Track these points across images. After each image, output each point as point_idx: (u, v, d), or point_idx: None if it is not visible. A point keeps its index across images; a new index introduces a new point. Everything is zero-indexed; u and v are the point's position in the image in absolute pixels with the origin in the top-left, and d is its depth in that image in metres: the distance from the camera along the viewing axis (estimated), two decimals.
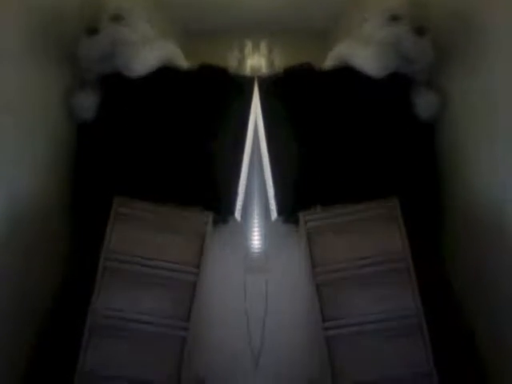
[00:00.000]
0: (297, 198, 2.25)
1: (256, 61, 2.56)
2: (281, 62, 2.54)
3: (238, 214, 2.28)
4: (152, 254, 2.08)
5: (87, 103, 2.27)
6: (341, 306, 2.03)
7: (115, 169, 2.25)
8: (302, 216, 2.18)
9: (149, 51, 2.30)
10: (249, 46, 2.58)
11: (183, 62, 2.41)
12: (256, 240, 2.34)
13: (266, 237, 2.33)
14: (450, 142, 2.26)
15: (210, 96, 2.31)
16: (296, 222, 2.23)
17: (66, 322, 2.04)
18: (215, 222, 2.22)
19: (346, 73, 2.30)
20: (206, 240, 2.13)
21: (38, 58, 2.09)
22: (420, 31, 2.24)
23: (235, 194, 2.26)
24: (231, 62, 2.54)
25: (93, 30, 2.29)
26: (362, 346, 1.96)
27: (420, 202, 2.23)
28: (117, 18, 2.32)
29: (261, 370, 2.13)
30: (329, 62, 2.38)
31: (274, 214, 2.29)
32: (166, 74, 2.30)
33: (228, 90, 2.32)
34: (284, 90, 2.33)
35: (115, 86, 2.30)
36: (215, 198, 2.24)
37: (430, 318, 1.94)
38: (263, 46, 2.58)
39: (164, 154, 2.26)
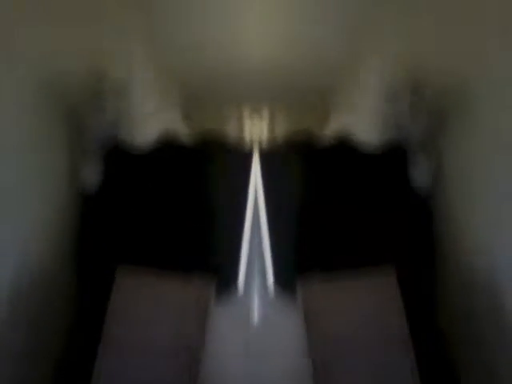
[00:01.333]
0: (295, 267, 2.30)
1: (256, 126, 2.61)
2: (281, 130, 2.59)
3: (240, 285, 2.32)
4: (154, 325, 2.12)
5: (91, 175, 2.34)
6: (337, 378, 2.04)
7: (118, 239, 2.31)
8: (299, 287, 2.23)
9: (151, 123, 2.37)
10: (248, 111, 2.63)
11: (185, 131, 2.48)
12: (256, 311, 2.36)
13: (265, 308, 2.35)
14: (446, 211, 2.31)
15: (210, 168, 2.38)
16: (294, 290, 2.27)
17: None
18: (217, 294, 2.26)
19: (345, 145, 2.38)
20: (209, 312, 2.17)
21: (45, 131, 2.18)
22: (417, 104, 2.31)
23: (237, 265, 2.31)
24: (231, 127, 2.59)
25: (97, 101, 2.36)
26: None
27: (417, 271, 2.28)
28: (121, 91, 2.39)
29: None
30: (328, 133, 2.45)
31: (270, 282, 2.34)
32: (167, 147, 2.38)
33: (228, 163, 2.40)
34: (284, 163, 2.42)
35: (118, 158, 2.36)
36: (217, 269, 2.29)
37: None
38: (265, 111, 2.63)
39: (166, 225, 2.33)
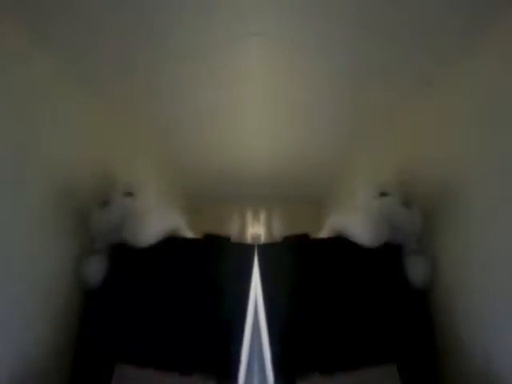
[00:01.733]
0: (294, 363, 2.21)
1: (256, 228, 2.71)
2: (279, 230, 2.70)
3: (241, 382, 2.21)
4: None
5: (95, 271, 2.36)
6: None
7: (118, 336, 2.24)
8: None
9: (156, 223, 2.46)
10: (249, 214, 2.75)
11: (188, 232, 2.57)
12: None
13: None
14: (443, 307, 2.31)
15: (213, 264, 2.41)
16: None
17: None
18: None
19: (341, 242, 2.45)
20: None
21: (52, 228, 2.26)
22: (408, 203, 2.45)
23: (238, 361, 2.22)
24: (233, 229, 2.68)
25: (104, 203, 2.48)
26: None
27: (418, 368, 2.21)
28: (128, 194, 2.52)
29: None
30: (325, 231, 2.56)
31: (270, 379, 2.23)
32: (170, 243, 2.44)
33: (231, 258, 2.43)
34: (281, 257, 2.45)
35: (122, 255, 2.41)
36: (217, 366, 2.18)
37: None
38: (263, 215, 2.76)
39: (168, 322, 2.28)
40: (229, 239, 2.51)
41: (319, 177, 3.15)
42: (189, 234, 2.56)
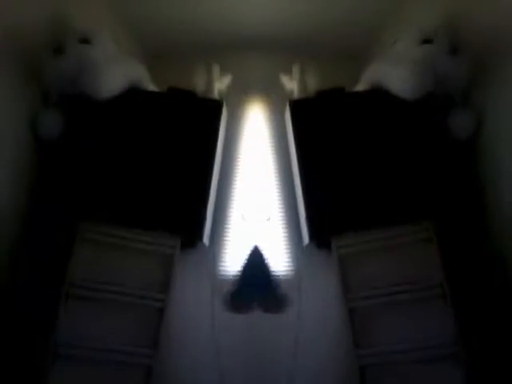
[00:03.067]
0: (330, 222, 2.18)
1: (225, 84, 2.56)
2: (313, 86, 2.48)
3: (206, 239, 2.24)
4: (117, 279, 2.04)
5: (51, 123, 2.22)
6: (375, 332, 1.98)
7: (78, 190, 2.17)
8: (334, 242, 2.14)
9: (116, 73, 2.28)
10: (216, 68, 2.57)
11: (150, 84, 2.41)
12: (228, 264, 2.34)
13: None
14: (488, 161, 2.19)
15: (176, 119, 2.31)
16: (327, 247, 2.19)
17: (26, 350, 1.92)
18: (183, 247, 2.18)
19: (379, 95, 2.28)
20: (174, 265, 2.11)
21: (2, 76, 2.05)
22: (454, 50, 2.23)
23: (203, 218, 2.22)
24: (198, 86, 2.51)
25: (58, 50, 2.27)
26: (398, 373, 1.92)
27: (458, 224, 2.11)
28: (83, 40, 2.30)
29: None
30: (362, 84, 2.39)
31: (305, 239, 2.24)
32: (132, 96, 2.30)
33: (195, 113, 2.33)
34: (317, 113, 2.33)
35: (80, 106, 2.26)
36: (182, 221, 2.19)
37: (468, 345, 1.87)
38: (295, 69, 2.56)
39: (129, 177, 2.22)
40: (194, 94, 2.38)
41: (356, 27, 2.87)
42: (151, 87, 2.40)
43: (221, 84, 2.56)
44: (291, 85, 2.55)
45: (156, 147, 2.27)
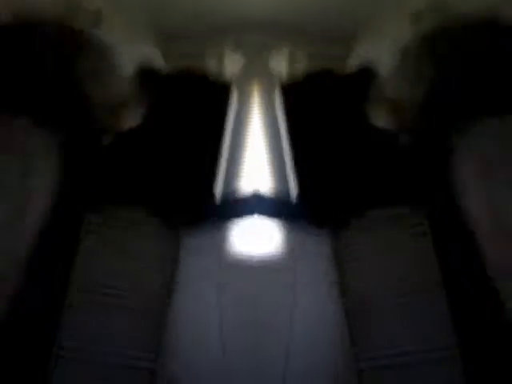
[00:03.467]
0: (324, 201, 2.21)
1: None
2: (302, 68, 2.50)
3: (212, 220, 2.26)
4: (121, 282, 2.08)
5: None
6: (373, 334, 1.99)
7: (86, 177, 2.20)
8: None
9: (127, 55, 2.27)
10: (228, 51, 2.54)
11: (161, 64, 2.42)
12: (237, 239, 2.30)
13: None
14: None
15: (188, 100, 2.32)
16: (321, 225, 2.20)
17: (30, 352, 1.91)
18: (189, 224, 2.21)
19: (368, 75, 2.29)
20: (178, 265, 2.15)
21: None
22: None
23: (211, 196, 2.24)
24: (210, 65, 2.49)
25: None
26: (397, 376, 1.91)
27: (452, 219, 2.07)
28: (95, 21, 2.28)
29: None
30: (352, 62, 2.39)
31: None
32: (143, 75, 2.32)
33: (206, 95, 2.34)
34: (307, 94, 2.34)
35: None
36: (189, 201, 2.23)
37: (467, 348, 1.86)
38: (285, 50, 2.55)
39: (137, 158, 2.24)
40: (205, 75, 2.39)
41: (344, 11, 2.78)
42: (162, 66, 2.39)
43: (233, 66, 2.54)
44: (281, 67, 2.54)
45: (169, 128, 2.29)
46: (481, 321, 1.92)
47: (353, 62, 2.39)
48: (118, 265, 2.10)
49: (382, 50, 2.26)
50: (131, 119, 2.30)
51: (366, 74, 2.28)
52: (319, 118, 2.28)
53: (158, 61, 2.42)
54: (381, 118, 2.26)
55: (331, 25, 2.93)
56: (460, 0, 2.18)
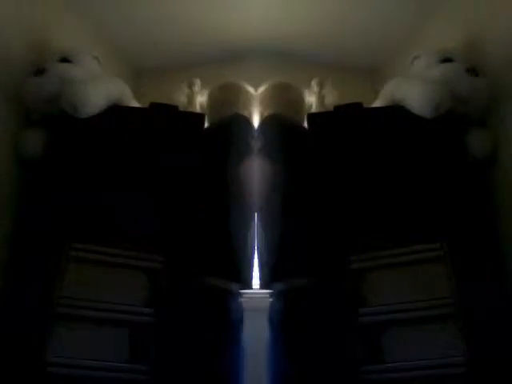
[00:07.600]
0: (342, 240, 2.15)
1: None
2: (331, 101, 2.55)
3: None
4: (106, 297, 2.02)
5: (33, 144, 2.22)
6: (384, 349, 1.95)
7: (62, 209, 2.14)
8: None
9: (97, 91, 2.27)
10: (198, 83, 2.60)
11: (132, 101, 2.44)
12: None
13: None
14: (506, 183, 2.16)
15: (160, 134, 2.31)
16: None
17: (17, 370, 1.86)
18: None
19: (397, 112, 2.27)
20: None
21: None
22: (474, 71, 2.23)
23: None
24: (181, 99, 2.53)
25: (39, 70, 2.28)
26: None
27: (471, 245, 2.06)
28: (64, 60, 2.32)
29: None
30: (380, 100, 2.40)
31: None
32: (114, 113, 2.30)
33: (178, 127, 2.33)
34: (334, 127, 2.32)
35: (63, 126, 2.25)
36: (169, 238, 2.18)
37: (480, 366, 1.83)
38: (314, 83, 2.59)
39: (112, 195, 2.20)
40: (176, 108, 2.39)
41: (375, 43, 2.89)
42: (133, 103, 2.41)
43: (202, 98, 2.58)
44: (310, 98, 2.58)
45: (141, 162, 2.26)
46: (495, 340, 1.90)
47: (382, 98, 2.42)
48: (104, 277, 2.05)
49: (412, 89, 2.25)
50: None
51: (396, 111, 2.28)
52: (347, 151, 2.26)
53: (129, 97, 2.44)
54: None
55: (360, 58, 3.08)
56: (494, 48, 2.20)
